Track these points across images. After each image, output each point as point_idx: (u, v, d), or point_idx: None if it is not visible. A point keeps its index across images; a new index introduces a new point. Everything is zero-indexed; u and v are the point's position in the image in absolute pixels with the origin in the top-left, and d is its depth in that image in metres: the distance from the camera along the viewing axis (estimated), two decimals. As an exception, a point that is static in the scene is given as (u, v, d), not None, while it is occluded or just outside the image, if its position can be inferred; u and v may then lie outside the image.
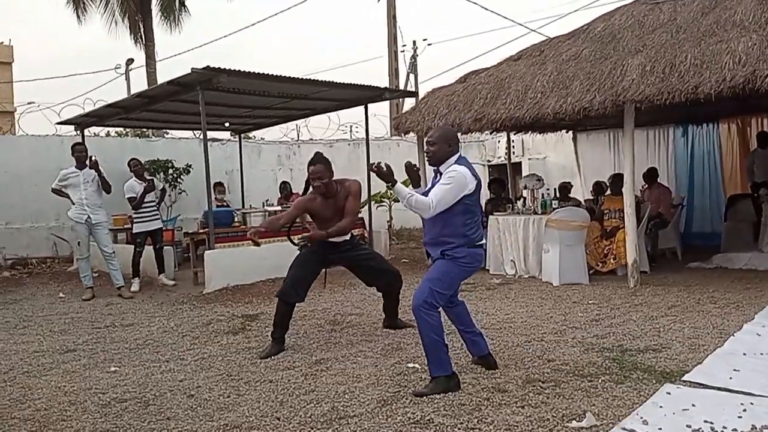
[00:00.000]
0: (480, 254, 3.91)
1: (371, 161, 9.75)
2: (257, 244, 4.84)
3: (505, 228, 8.18)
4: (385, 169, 3.73)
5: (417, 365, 4.22)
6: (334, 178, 4.93)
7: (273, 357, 4.65)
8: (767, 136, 9.46)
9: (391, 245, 11.21)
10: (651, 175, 9.29)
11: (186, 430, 3.31)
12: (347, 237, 5.13)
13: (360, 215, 10.05)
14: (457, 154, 3.87)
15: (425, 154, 3.97)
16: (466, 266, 3.82)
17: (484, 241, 3.96)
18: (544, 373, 3.96)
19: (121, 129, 15.38)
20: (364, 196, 7.89)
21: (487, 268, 7.96)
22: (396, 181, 3.73)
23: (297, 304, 5.00)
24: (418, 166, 4.16)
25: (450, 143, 3.87)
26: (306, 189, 5.14)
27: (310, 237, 4.96)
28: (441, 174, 3.82)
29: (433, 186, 3.86)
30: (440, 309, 3.83)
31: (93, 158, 7.57)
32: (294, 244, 5.04)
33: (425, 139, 4.00)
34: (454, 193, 3.69)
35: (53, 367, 4.68)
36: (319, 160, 4.85)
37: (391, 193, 13.84)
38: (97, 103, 10.71)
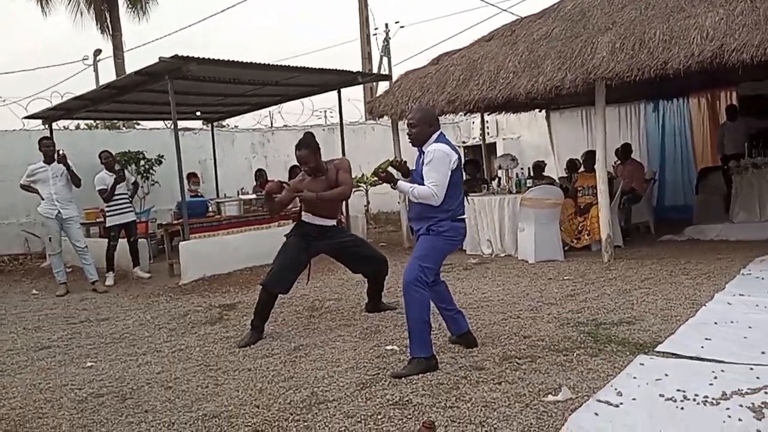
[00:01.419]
0: (462, 227, 3.98)
1: (345, 146, 9.73)
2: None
3: (480, 208, 8.21)
4: (384, 174, 3.95)
5: (396, 347, 4.25)
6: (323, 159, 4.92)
7: (252, 345, 4.64)
8: (736, 109, 9.62)
9: (369, 229, 11.21)
10: (625, 150, 9.39)
11: (164, 422, 3.29)
12: (333, 222, 5.06)
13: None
14: (438, 132, 3.94)
15: (407, 136, 4.02)
16: (450, 239, 3.89)
17: (466, 215, 4.04)
18: (520, 350, 4.00)
19: (91, 121, 15.13)
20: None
21: (463, 248, 8.00)
22: (397, 180, 3.93)
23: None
24: (399, 159, 4.27)
25: (431, 123, 3.93)
26: (290, 177, 5.09)
27: (302, 198, 4.89)
28: (424, 153, 3.89)
29: (417, 167, 3.95)
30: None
31: (61, 152, 7.43)
32: None
33: (406, 122, 4.07)
34: (441, 170, 3.75)
35: (28, 365, 4.62)
36: (303, 144, 4.79)
37: (367, 178, 13.81)
38: (64, 96, 10.50)
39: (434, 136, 3.90)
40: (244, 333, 4.92)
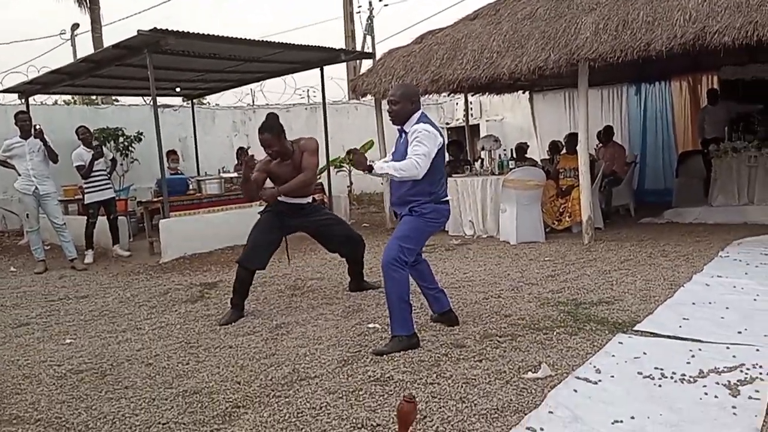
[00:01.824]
0: (446, 209, 3.96)
1: (327, 126, 9.64)
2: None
3: (463, 189, 8.22)
4: (354, 157, 3.73)
5: (377, 325, 4.26)
6: (290, 139, 4.85)
7: (233, 323, 4.62)
8: (717, 94, 9.68)
9: (352, 210, 11.18)
10: (607, 133, 9.44)
11: (144, 398, 3.27)
12: (307, 200, 5.03)
13: (319, 180, 10.02)
14: (419, 112, 3.86)
15: (388, 113, 3.93)
16: (433, 221, 3.86)
17: (449, 197, 4.03)
18: (501, 328, 4.03)
19: (69, 97, 14.85)
20: (323, 162, 7.82)
21: (446, 229, 8.01)
22: (372, 165, 3.72)
23: (257, 271, 4.95)
24: (355, 149, 3.98)
25: (412, 100, 3.84)
26: (238, 158, 5.01)
27: (260, 197, 4.86)
28: (405, 133, 3.82)
29: (398, 147, 3.87)
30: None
31: (38, 127, 7.28)
32: None
33: (387, 99, 3.99)
34: (429, 145, 3.68)
35: (6, 342, 4.56)
36: (266, 128, 4.68)
37: (349, 160, 13.74)
38: (41, 70, 10.29)
39: (416, 116, 3.82)
40: (225, 311, 4.89)
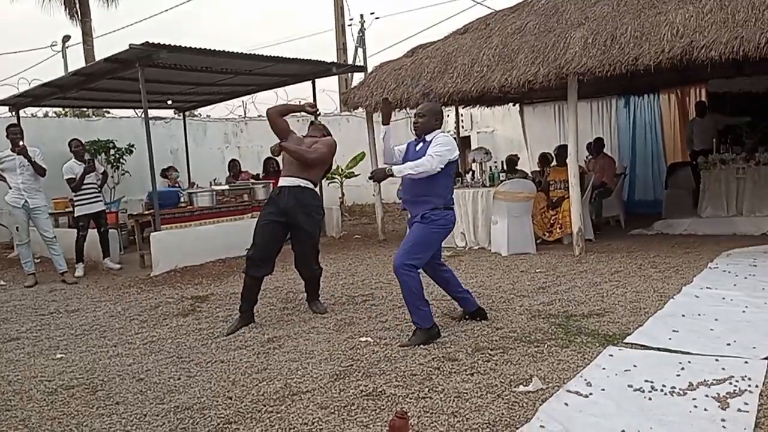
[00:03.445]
0: (452, 215, 4.29)
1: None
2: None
3: (454, 201, 8.22)
4: (377, 174, 4.19)
5: (370, 339, 4.26)
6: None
7: (224, 338, 4.61)
8: (705, 106, 9.79)
9: (344, 221, 11.20)
10: (598, 144, 9.52)
11: (136, 414, 3.26)
12: (306, 183, 4.98)
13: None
14: (440, 129, 4.30)
15: (413, 124, 4.32)
16: (441, 228, 4.20)
17: (454, 204, 4.36)
18: (492, 341, 4.04)
19: (60, 109, 14.82)
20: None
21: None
22: (391, 171, 4.11)
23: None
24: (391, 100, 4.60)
25: (437, 118, 4.30)
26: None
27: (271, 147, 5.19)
28: (426, 142, 4.22)
29: (409, 154, 4.31)
30: (420, 270, 4.19)
31: (21, 144, 7.23)
32: None
33: (415, 111, 4.38)
34: (448, 151, 4.10)
35: (-5, 357, 4.54)
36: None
37: (342, 170, 13.81)
38: (32, 82, 10.25)
39: (438, 131, 4.26)
40: (231, 321, 4.92)
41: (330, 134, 5.28)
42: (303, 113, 5.22)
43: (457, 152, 4.24)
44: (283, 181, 5.03)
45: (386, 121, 4.30)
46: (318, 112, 5.27)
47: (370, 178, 4.35)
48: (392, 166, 4.18)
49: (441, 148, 4.09)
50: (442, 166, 4.09)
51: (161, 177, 10.06)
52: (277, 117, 5.06)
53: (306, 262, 5.15)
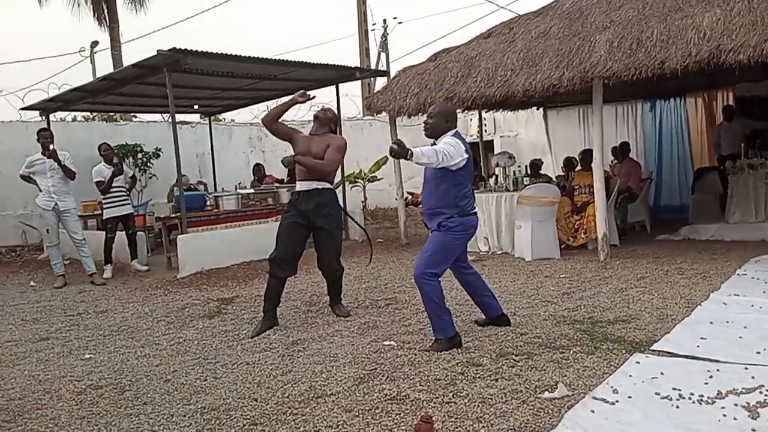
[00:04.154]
0: (473, 221, 4.23)
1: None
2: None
3: (477, 206, 8.14)
4: (398, 148, 3.85)
5: (393, 343, 4.27)
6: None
7: (249, 340, 4.66)
8: (733, 110, 9.65)
9: (366, 225, 11.22)
10: (624, 149, 9.43)
11: (163, 414, 3.31)
12: (323, 184, 5.03)
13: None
14: (454, 130, 4.19)
15: (423, 125, 4.27)
16: (460, 234, 4.16)
17: (476, 209, 4.31)
18: (517, 347, 4.03)
19: (88, 113, 15.07)
20: (337, 178, 7.85)
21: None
22: (411, 151, 3.86)
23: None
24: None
25: (447, 119, 4.21)
26: (289, 173, 5.20)
27: (282, 160, 5.24)
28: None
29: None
30: (440, 279, 4.14)
31: (51, 148, 7.39)
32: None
33: (427, 113, 4.32)
34: (452, 153, 3.98)
35: (26, 356, 4.63)
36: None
37: (365, 174, 13.87)
38: (61, 87, 10.48)
39: (450, 132, 4.15)
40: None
41: (337, 119, 5.20)
42: (298, 104, 5.03)
43: (464, 156, 4.05)
44: (301, 186, 5.07)
45: (403, 156, 3.88)
46: (311, 97, 5.05)
47: (390, 151, 4.05)
48: (413, 150, 3.91)
49: (447, 146, 4.00)
50: (447, 164, 3.97)
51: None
52: (273, 123, 5.07)
53: (327, 261, 5.18)
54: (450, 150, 3.98)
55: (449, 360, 3.84)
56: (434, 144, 4.13)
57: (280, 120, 5.15)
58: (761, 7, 6.18)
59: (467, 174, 4.18)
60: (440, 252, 4.12)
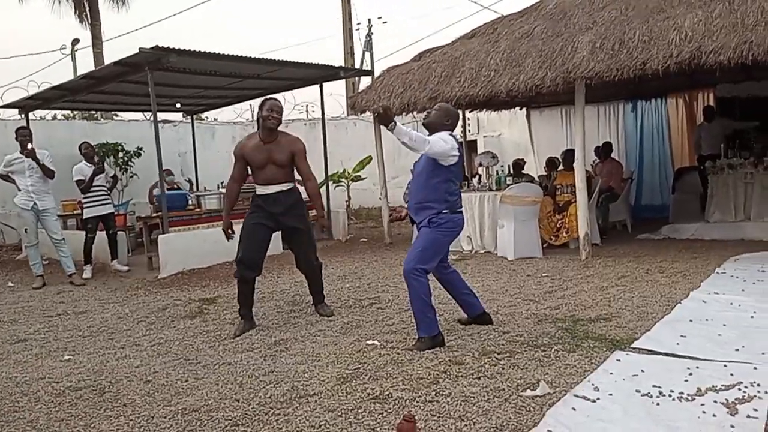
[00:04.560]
0: (460, 219, 4.29)
1: (326, 141, 9.72)
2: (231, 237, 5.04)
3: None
4: (384, 113, 3.93)
5: (376, 342, 4.26)
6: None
7: (231, 340, 4.62)
8: (713, 110, 9.76)
9: (350, 225, 11.21)
10: (606, 149, 9.51)
11: (143, 415, 3.27)
12: (288, 185, 4.95)
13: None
14: (448, 131, 4.22)
15: (425, 114, 4.34)
16: (449, 231, 4.21)
17: (462, 208, 4.35)
18: (499, 345, 4.04)
19: (68, 112, 14.91)
20: (320, 177, 7.83)
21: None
22: (395, 123, 3.92)
23: (259, 281, 4.99)
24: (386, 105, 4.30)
25: (449, 118, 4.27)
26: None
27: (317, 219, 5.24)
28: None
29: (419, 159, 4.28)
30: (429, 276, 4.19)
31: (30, 147, 7.28)
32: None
33: (433, 107, 4.44)
34: (442, 146, 4.03)
35: (3, 358, 4.56)
36: (274, 98, 5.01)
37: (349, 174, 13.85)
38: (41, 85, 10.35)
39: (446, 131, 4.19)
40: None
41: (282, 111, 5.03)
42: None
43: (456, 154, 4.12)
44: (268, 189, 4.90)
45: (386, 123, 3.94)
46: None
47: (376, 112, 4.13)
48: (398, 124, 3.95)
49: (438, 139, 4.05)
50: (433, 154, 4.02)
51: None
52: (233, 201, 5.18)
53: (306, 257, 5.13)
54: (440, 144, 4.02)
55: (432, 359, 3.84)
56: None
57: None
58: (741, 9, 6.27)
59: (458, 172, 4.28)
60: (430, 248, 4.15)
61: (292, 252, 5.23)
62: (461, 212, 4.32)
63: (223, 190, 9.36)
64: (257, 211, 4.96)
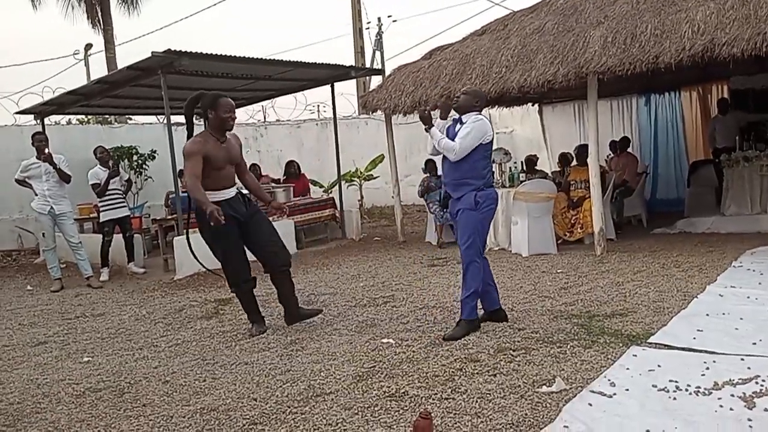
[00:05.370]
0: (495, 193, 4.47)
1: (338, 141, 9.74)
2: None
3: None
4: (426, 114, 4.46)
5: (391, 340, 4.28)
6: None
7: (247, 339, 4.66)
8: (727, 103, 9.68)
9: (363, 224, 11.23)
10: (623, 143, 9.47)
11: (162, 415, 3.31)
12: (236, 189, 4.87)
13: (330, 194, 10.08)
14: (478, 111, 4.46)
15: (455, 98, 4.62)
16: (489, 209, 4.41)
17: (493, 183, 4.67)
18: (514, 342, 4.04)
19: (83, 116, 15.06)
20: (333, 177, 7.84)
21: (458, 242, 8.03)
22: (433, 125, 4.44)
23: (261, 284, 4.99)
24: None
25: (478, 100, 4.49)
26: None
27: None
28: (461, 123, 4.42)
29: (448, 134, 4.47)
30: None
31: (46, 151, 7.36)
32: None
33: (461, 90, 4.68)
34: (473, 137, 4.29)
35: (24, 360, 4.63)
36: (225, 95, 4.91)
37: (361, 173, 13.87)
38: (56, 90, 10.47)
39: (475, 112, 4.42)
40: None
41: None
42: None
43: (490, 134, 4.38)
44: (227, 193, 4.74)
45: (426, 122, 4.46)
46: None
47: (419, 113, 4.54)
48: (434, 128, 4.45)
49: (468, 136, 4.27)
50: (469, 151, 4.28)
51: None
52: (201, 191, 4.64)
53: (277, 241, 4.88)
54: (467, 141, 4.27)
55: (447, 356, 3.85)
56: (458, 121, 4.44)
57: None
58: (754, 0, 6.20)
59: (491, 149, 4.49)
60: (478, 236, 4.36)
61: (260, 244, 4.83)
62: (494, 187, 4.54)
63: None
64: (227, 222, 4.51)
